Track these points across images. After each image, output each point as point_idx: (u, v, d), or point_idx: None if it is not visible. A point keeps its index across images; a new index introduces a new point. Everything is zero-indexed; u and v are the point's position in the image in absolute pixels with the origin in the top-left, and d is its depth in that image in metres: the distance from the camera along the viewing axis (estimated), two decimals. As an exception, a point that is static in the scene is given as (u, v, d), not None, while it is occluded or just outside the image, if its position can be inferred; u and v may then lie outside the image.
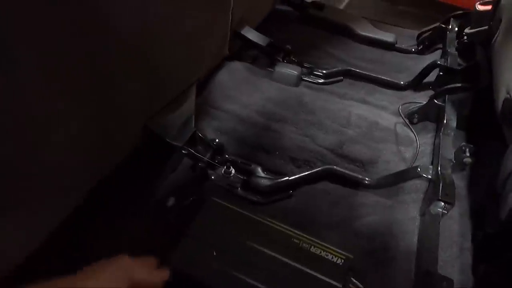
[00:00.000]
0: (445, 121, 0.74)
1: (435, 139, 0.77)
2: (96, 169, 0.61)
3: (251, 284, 0.54)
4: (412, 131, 0.82)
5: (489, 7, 0.81)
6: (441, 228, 0.59)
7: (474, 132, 0.78)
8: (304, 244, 0.59)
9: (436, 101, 0.81)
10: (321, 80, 1.02)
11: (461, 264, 0.57)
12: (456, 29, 0.99)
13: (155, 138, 0.71)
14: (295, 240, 0.60)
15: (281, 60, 1.05)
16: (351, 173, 0.74)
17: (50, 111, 0.47)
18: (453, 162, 0.66)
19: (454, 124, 0.74)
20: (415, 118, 0.85)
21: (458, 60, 0.89)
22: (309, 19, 1.26)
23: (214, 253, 0.58)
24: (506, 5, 0.69)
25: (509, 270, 0.48)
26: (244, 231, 0.60)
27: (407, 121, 0.86)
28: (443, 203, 0.59)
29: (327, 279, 0.55)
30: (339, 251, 0.58)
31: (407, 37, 1.21)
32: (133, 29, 0.57)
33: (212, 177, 0.73)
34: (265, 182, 0.72)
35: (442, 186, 0.60)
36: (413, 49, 1.15)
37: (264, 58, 1.06)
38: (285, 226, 0.61)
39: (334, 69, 1.03)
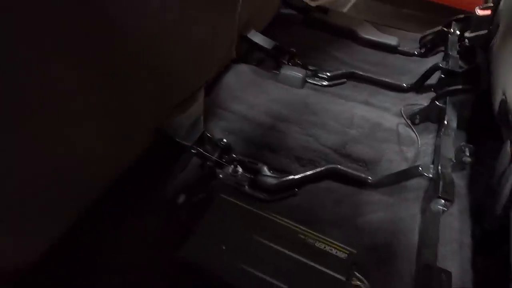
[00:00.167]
0: (445, 122, 0.76)
1: (436, 140, 0.79)
2: (111, 167, 0.64)
3: (258, 277, 0.57)
4: (414, 132, 0.85)
5: (488, 12, 0.83)
6: (441, 225, 0.62)
7: (474, 133, 0.80)
8: (309, 239, 0.62)
9: (437, 103, 0.84)
10: (325, 82, 1.04)
11: (461, 258, 0.59)
12: (458, 32, 1.02)
13: (165, 138, 0.74)
14: (301, 236, 0.62)
15: (286, 62, 1.07)
16: (354, 172, 0.77)
17: (70, 109, 0.50)
18: (453, 161, 0.68)
19: (454, 124, 0.77)
20: (417, 119, 0.87)
21: (460, 62, 0.92)
22: (313, 23, 1.29)
23: (223, 247, 0.60)
24: (503, 10, 0.71)
25: (506, 262, 0.50)
26: (251, 226, 0.63)
27: (409, 122, 0.88)
28: (443, 201, 0.62)
29: (331, 273, 0.58)
30: (343, 246, 0.61)
31: (410, 40, 1.23)
32: (147, 35, 0.60)
33: (220, 176, 0.76)
34: (271, 180, 0.74)
35: (442, 184, 0.63)
36: (416, 52, 1.18)
37: (270, 61, 1.09)
38: (290, 222, 0.64)
39: (338, 72, 1.06)
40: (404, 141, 0.84)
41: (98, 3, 0.49)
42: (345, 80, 1.06)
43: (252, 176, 0.76)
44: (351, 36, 1.24)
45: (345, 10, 1.85)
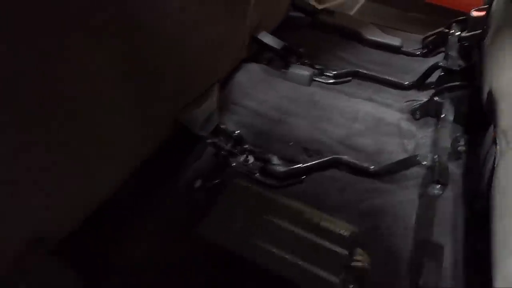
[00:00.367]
0: (443, 115, 0.82)
1: (434, 132, 0.85)
2: (136, 154, 0.71)
3: (270, 251, 0.63)
4: (414, 126, 0.90)
5: (483, 13, 0.89)
6: (437, 208, 0.67)
7: (471, 126, 0.85)
8: (314, 218, 0.68)
9: (436, 99, 0.89)
10: (331, 80, 1.10)
11: (453, 237, 0.65)
12: (458, 33, 1.07)
13: (183, 129, 0.81)
14: (307, 215, 0.69)
15: (294, 62, 1.13)
16: (357, 162, 0.82)
17: (104, 99, 0.57)
18: (449, 150, 0.74)
19: (451, 118, 0.82)
20: (417, 114, 0.93)
21: (459, 61, 0.97)
22: (320, 25, 1.35)
23: (238, 226, 0.67)
24: (495, 12, 0.77)
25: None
26: (262, 207, 0.70)
27: (410, 116, 0.94)
28: (438, 185, 0.67)
29: (335, 248, 0.64)
30: (346, 224, 0.67)
31: (413, 41, 1.29)
32: (169, 35, 0.67)
33: (233, 164, 0.82)
34: (280, 168, 0.81)
35: (437, 170, 0.68)
36: (418, 52, 1.23)
37: (279, 60, 1.16)
38: (298, 204, 0.70)
39: (343, 70, 1.12)
40: (405, 134, 0.90)
41: (131, 7, 0.56)
42: (350, 78, 1.12)
43: (262, 165, 0.82)
44: (357, 38, 1.29)
45: (351, 13, 1.91)
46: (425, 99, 0.95)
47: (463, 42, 0.98)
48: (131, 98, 0.64)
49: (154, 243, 0.66)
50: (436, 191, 0.68)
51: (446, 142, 0.76)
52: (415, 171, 0.78)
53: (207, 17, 0.78)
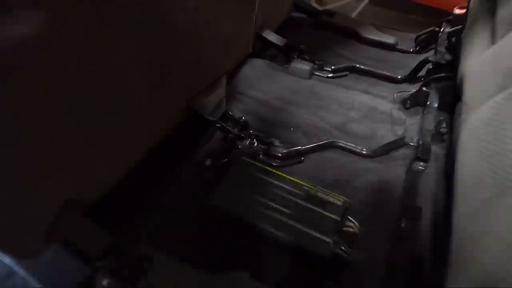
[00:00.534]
0: (428, 102, 0.91)
1: (421, 118, 0.93)
2: (155, 134, 0.81)
3: (272, 217, 0.72)
4: (404, 114, 0.99)
5: (464, 11, 0.98)
6: (420, 182, 0.76)
7: (454, 113, 0.94)
8: (311, 191, 0.77)
9: (424, 89, 0.98)
10: (330, 75, 1.19)
11: (434, 204, 0.73)
12: (447, 31, 1.16)
13: (195, 114, 0.90)
14: (305, 188, 0.77)
15: (295, 57, 1.23)
16: (351, 144, 0.91)
17: (128, 85, 0.67)
18: (432, 132, 0.83)
19: (436, 105, 0.91)
20: (407, 103, 1.01)
21: (446, 56, 1.05)
22: (321, 24, 1.44)
23: (244, 196, 0.76)
24: (471, 9, 0.86)
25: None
26: (266, 180, 0.79)
27: (401, 106, 1.03)
28: (421, 162, 0.76)
29: (329, 214, 0.73)
30: (339, 196, 0.76)
31: (407, 39, 1.37)
32: (185, 30, 0.76)
33: (239, 147, 0.91)
34: (281, 149, 0.90)
35: (421, 149, 0.77)
36: (412, 50, 1.32)
37: (281, 56, 1.25)
38: (297, 178, 0.79)
39: (341, 65, 1.21)
40: (396, 121, 0.99)
41: (156, 7, 0.66)
42: (347, 72, 1.21)
43: (265, 147, 0.91)
44: (354, 36, 1.38)
45: (353, 15, 2.00)
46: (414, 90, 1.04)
47: (449, 38, 1.07)
48: (151, 86, 0.73)
49: (171, 211, 0.75)
50: (419, 167, 0.76)
51: (430, 125, 0.85)
52: (403, 153, 0.87)
53: (217, 17, 0.88)
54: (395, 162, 0.87)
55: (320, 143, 0.91)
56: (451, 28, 1.06)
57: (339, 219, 0.72)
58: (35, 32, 0.46)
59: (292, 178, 0.79)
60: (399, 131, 0.96)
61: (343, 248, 0.69)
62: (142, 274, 0.63)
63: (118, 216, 0.73)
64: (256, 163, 0.81)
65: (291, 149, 0.90)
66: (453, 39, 1.07)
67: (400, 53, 1.33)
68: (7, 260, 0.71)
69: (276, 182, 0.78)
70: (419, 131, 0.89)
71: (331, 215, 0.72)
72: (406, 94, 1.03)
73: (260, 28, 1.22)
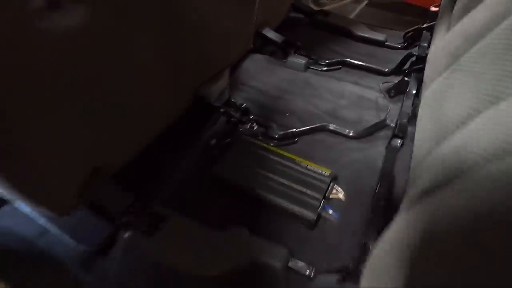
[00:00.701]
0: (407, 90, 1.02)
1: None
2: (168, 115, 0.93)
3: (268, 185, 0.84)
4: (388, 101, 1.11)
5: (438, 8, 1.10)
6: (398, 157, 0.88)
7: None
8: (302, 164, 0.89)
9: (406, 79, 1.10)
10: (324, 68, 1.31)
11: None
12: (423, 26, 1.28)
13: (201, 100, 1.02)
14: (297, 161, 0.89)
15: (292, 53, 1.35)
16: (340, 127, 1.03)
17: (146, 70, 0.79)
18: (409, 114, 0.94)
19: (414, 91, 1.02)
20: (392, 92, 1.13)
21: (427, 50, 1.17)
22: (317, 23, 1.56)
23: (243, 166, 0.88)
24: (441, 7, 0.98)
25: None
26: (263, 155, 0.90)
27: (386, 95, 1.14)
28: (398, 139, 0.88)
29: (317, 183, 0.84)
30: (326, 168, 0.87)
31: (396, 37, 1.49)
32: (193, 23, 0.89)
33: (241, 129, 1.04)
34: (278, 132, 1.02)
35: (398, 128, 0.89)
36: (400, 46, 1.44)
37: (280, 52, 1.37)
38: (290, 154, 0.91)
39: (334, 60, 1.33)
40: (381, 108, 1.10)
41: (169, 2, 0.78)
42: (340, 66, 1.33)
43: (264, 130, 1.03)
44: (347, 34, 1.50)
45: (351, 16, 2.11)
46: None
47: (429, 33, 1.18)
48: (165, 74, 0.85)
49: (182, 179, 0.87)
50: (397, 144, 0.88)
51: (407, 109, 0.96)
52: (385, 133, 0.99)
53: (221, 14, 1.00)
54: (377, 141, 0.98)
55: (312, 126, 1.03)
56: (428, 23, 1.18)
57: (326, 187, 0.84)
58: (78, 23, 0.58)
59: (286, 154, 0.91)
60: (382, 116, 1.07)
61: (329, 211, 0.81)
62: (157, 229, 0.75)
63: (138, 182, 0.85)
64: (255, 141, 0.93)
65: (286, 131, 1.01)
66: (430, 33, 1.19)
67: (389, 49, 1.45)
68: (41, 220, 0.83)
69: (272, 157, 0.90)
70: (399, 115, 1.01)
71: (319, 184, 0.84)
72: (390, 84, 1.15)
73: (261, 27, 1.35)
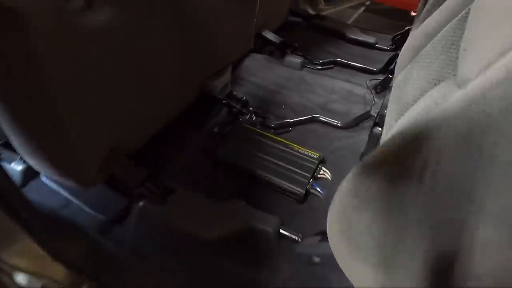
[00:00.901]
0: (390, 85, 1.14)
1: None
2: (178, 103, 1.05)
3: (263, 164, 0.96)
4: (375, 96, 1.23)
5: (418, 13, 1.22)
6: (378, 143, 0.99)
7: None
8: (294, 147, 1.00)
9: (390, 76, 1.22)
10: (318, 67, 1.44)
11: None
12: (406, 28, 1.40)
13: (206, 93, 1.14)
14: (289, 145, 1.01)
15: (289, 53, 1.47)
16: (329, 119, 1.15)
17: (159, 60, 0.91)
18: (390, 106, 1.06)
19: (396, 86, 1.14)
20: (378, 88, 1.25)
21: (411, 51, 1.29)
22: (313, 27, 1.69)
23: (243, 149, 1.00)
24: (417, 12, 1.10)
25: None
26: (260, 140, 1.02)
27: (373, 91, 1.26)
28: (379, 128, 1.00)
29: (307, 163, 0.96)
30: (315, 151, 0.99)
31: (385, 39, 1.61)
32: (200, 25, 1.01)
33: (241, 119, 1.16)
34: (274, 122, 1.14)
35: (379, 118, 1.00)
36: (388, 48, 1.56)
37: (278, 52, 1.49)
38: (283, 139, 1.03)
39: (327, 59, 1.45)
40: (367, 102, 1.22)
41: (180, 7, 0.90)
42: (332, 66, 1.45)
43: (262, 120, 1.15)
44: (341, 36, 1.62)
45: (349, 21, 2.23)
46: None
47: (412, 36, 1.30)
48: (176, 68, 0.98)
49: (189, 159, 0.99)
50: (378, 131, 1.00)
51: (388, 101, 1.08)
52: (368, 124, 1.11)
53: (224, 16, 1.12)
54: (362, 131, 1.10)
55: (305, 117, 1.15)
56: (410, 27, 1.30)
57: (314, 167, 0.95)
58: (107, 20, 0.71)
59: (281, 139, 1.03)
60: (368, 109, 1.19)
61: (317, 189, 0.93)
62: (166, 199, 0.87)
63: (150, 161, 0.97)
64: (253, 128, 1.05)
65: (282, 121, 1.13)
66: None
67: (379, 51, 1.57)
68: (65, 193, 0.95)
69: (268, 141, 1.02)
70: (381, 107, 1.13)
71: (309, 164, 0.96)
72: (377, 81, 1.27)
73: (261, 29, 1.47)
